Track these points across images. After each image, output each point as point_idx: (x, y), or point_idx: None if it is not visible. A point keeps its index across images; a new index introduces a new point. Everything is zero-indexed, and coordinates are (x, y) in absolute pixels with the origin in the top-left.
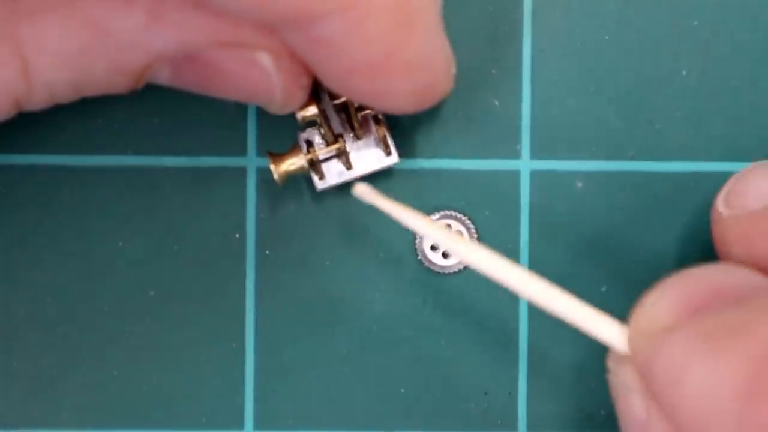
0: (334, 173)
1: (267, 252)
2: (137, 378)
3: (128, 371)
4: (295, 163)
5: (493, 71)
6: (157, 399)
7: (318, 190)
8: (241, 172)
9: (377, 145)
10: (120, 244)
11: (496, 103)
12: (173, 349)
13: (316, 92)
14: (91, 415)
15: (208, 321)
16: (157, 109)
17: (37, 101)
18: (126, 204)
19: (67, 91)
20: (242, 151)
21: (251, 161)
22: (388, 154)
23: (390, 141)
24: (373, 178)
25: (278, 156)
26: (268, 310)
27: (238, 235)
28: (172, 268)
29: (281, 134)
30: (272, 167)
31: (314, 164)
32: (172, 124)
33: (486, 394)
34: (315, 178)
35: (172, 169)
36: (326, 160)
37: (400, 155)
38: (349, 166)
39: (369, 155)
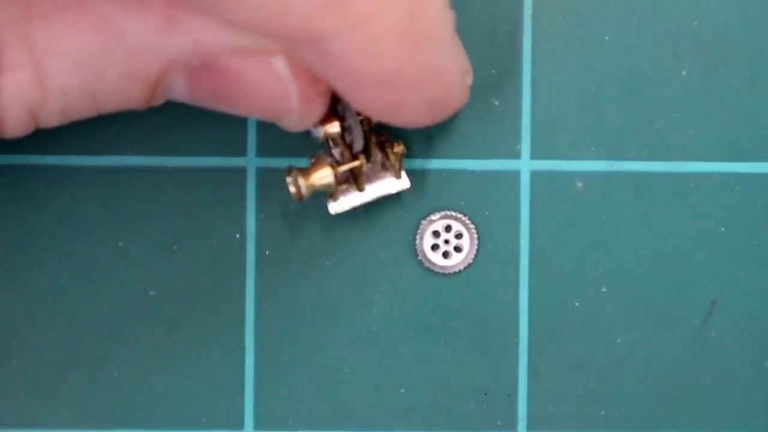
0: (347, 197)
1: (267, 252)
2: (137, 378)
3: (128, 371)
4: (323, 178)
5: (493, 71)
6: (157, 399)
7: (332, 213)
8: (241, 172)
9: (389, 168)
10: (120, 244)
11: (496, 103)
12: (173, 349)
13: (335, 109)
14: (91, 415)
15: (208, 321)
16: (157, 109)
17: (53, 109)
18: (126, 204)
19: (82, 100)
20: (242, 152)
21: (251, 161)
22: (399, 177)
23: (402, 166)
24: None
25: (304, 170)
26: (268, 310)
27: (238, 235)
28: (172, 268)
29: (282, 134)
30: (301, 182)
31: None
32: (172, 124)
33: (486, 394)
34: (330, 201)
35: (172, 169)
36: (343, 182)
37: None
38: (362, 188)
39: (380, 179)
